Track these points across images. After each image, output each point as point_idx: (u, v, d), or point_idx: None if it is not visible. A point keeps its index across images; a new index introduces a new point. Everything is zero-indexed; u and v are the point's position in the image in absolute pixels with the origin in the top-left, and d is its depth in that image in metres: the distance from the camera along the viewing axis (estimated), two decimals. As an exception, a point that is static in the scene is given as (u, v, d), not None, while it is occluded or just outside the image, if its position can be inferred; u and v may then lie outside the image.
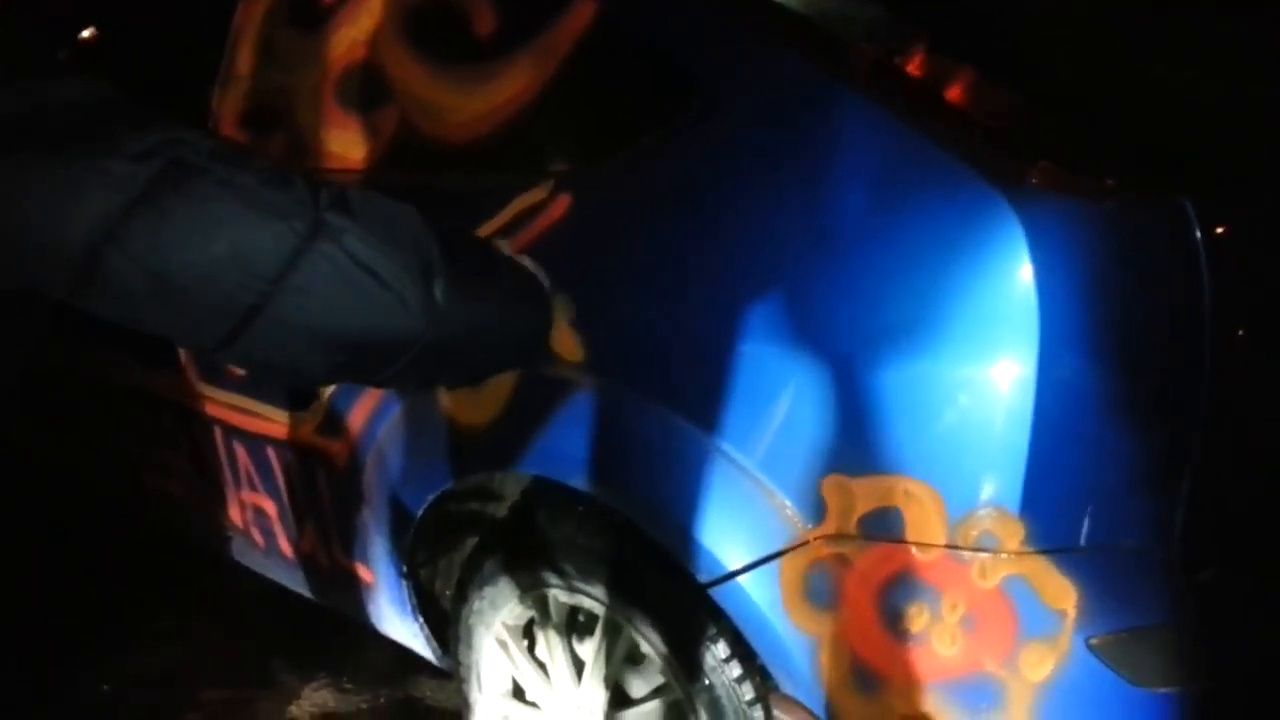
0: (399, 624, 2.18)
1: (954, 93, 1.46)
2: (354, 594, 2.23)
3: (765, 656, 1.51)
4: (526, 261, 1.50)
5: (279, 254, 1.14)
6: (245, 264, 1.12)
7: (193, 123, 1.22)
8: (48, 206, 1.06)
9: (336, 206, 1.19)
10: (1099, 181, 1.34)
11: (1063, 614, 1.32)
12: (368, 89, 1.96)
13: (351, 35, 1.99)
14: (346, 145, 2.00)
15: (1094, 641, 1.32)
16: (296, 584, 2.43)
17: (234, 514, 2.43)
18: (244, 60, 2.24)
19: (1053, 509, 1.32)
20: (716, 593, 1.51)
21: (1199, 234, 1.29)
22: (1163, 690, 1.34)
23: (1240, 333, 1.34)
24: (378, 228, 1.21)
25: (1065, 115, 1.48)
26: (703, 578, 1.51)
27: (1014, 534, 1.31)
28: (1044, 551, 1.31)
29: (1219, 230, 1.30)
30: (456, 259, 1.28)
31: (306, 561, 2.32)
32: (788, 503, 1.43)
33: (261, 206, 1.13)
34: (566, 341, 1.60)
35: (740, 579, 1.47)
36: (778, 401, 1.43)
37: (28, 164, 1.06)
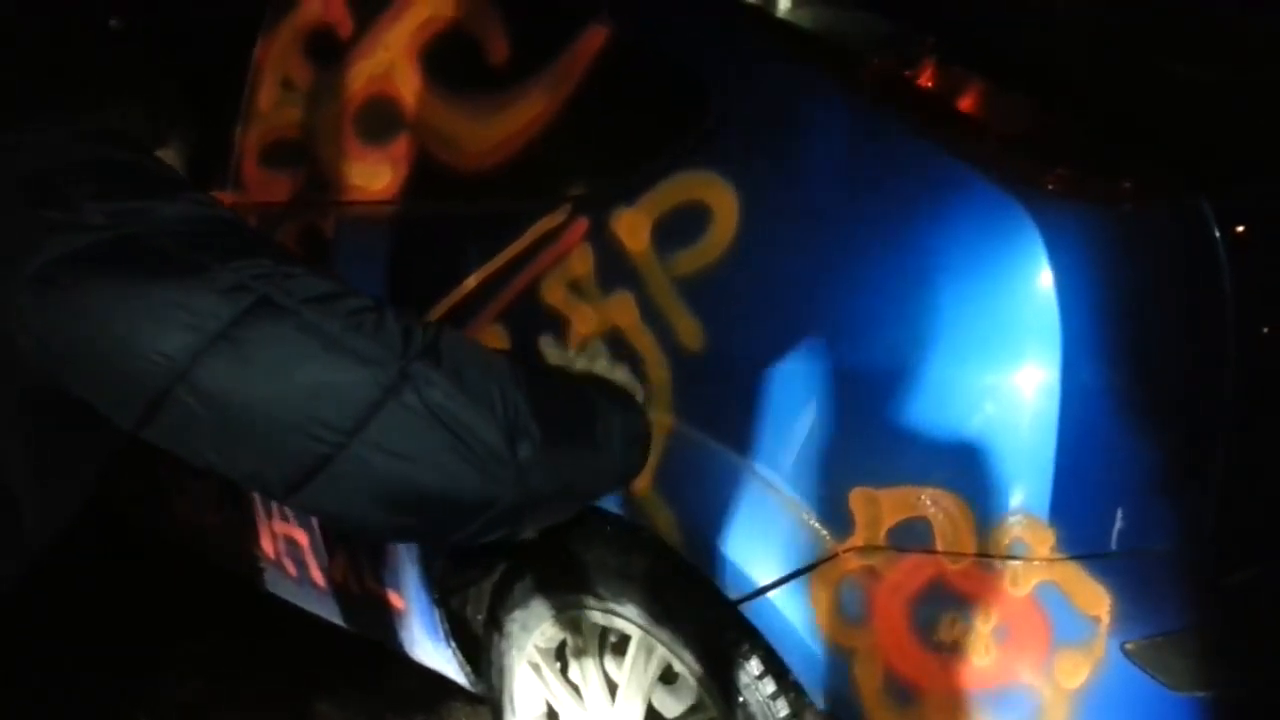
0: (431, 650, 2.18)
1: (967, 101, 1.47)
2: (386, 621, 2.24)
3: (798, 672, 1.51)
4: (621, 374, 1.40)
5: (357, 404, 1.06)
6: (320, 413, 1.05)
7: (285, 251, 1.15)
8: (128, 338, 1.01)
9: (426, 354, 1.10)
10: (1116, 184, 1.35)
11: (1097, 620, 1.31)
12: (386, 120, 1.98)
13: (369, 68, 2.02)
14: (367, 177, 2.02)
15: (1129, 646, 1.31)
16: (329, 612, 2.44)
17: (266, 544, 2.45)
18: (265, 95, 2.27)
19: (1083, 514, 1.31)
20: (747, 609, 1.51)
21: (1218, 234, 1.29)
22: (1199, 694, 1.33)
23: (1264, 331, 1.34)
24: (464, 380, 1.12)
25: (1079, 118, 1.48)
26: (733, 595, 1.51)
27: (1045, 541, 1.31)
28: (1076, 557, 1.31)
29: (1238, 229, 1.30)
30: (547, 413, 1.18)
31: (338, 590, 2.33)
32: (815, 517, 1.44)
33: (345, 353, 1.06)
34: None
35: (770, 595, 1.47)
36: (802, 415, 1.43)
37: (120, 290, 1.02)
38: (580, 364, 1.43)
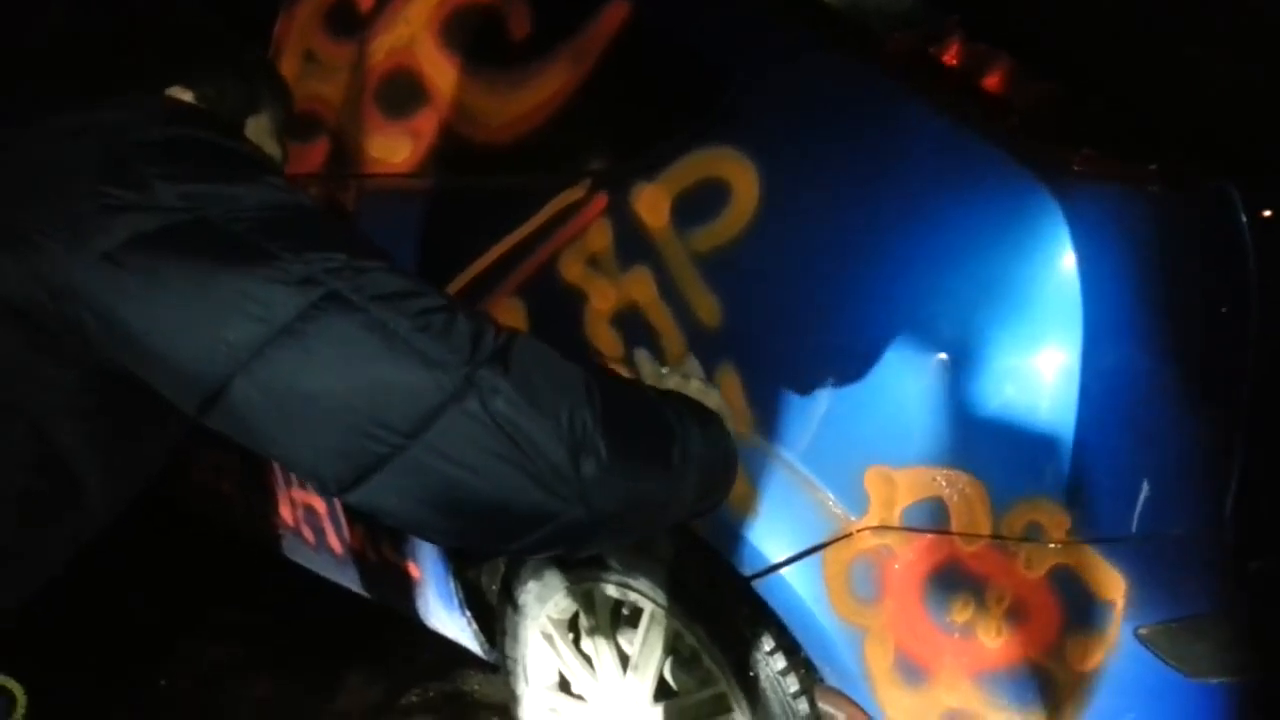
0: (447, 619, 2.20)
1: (992, 81, 1.45)
2: (403, 589, 2.26)
3: (809, 649, 1.51)
4: (712, 399, 1.33)
5: (419, 407, 1.03)
6: (380, 414, 1.03)
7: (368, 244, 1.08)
8: (193, 325, 1.00)
9: (494, 360, 1.06)
10: (1142, 167, 1.33)
11: (1111, 604, 1.31)
12: (407, 94, 1.98)
13: (389, 41, 2.01)
14: (387, 150, 2.02)
15: (1143, 631, 1.31)
16: (346, 580, 2.46)
17: (285, 512, 2.47)
18: (287, 67, 2.27)
19: (1099, 498, 1.31)
20: (760, 585, 1.51)
21: (1244, 218, 1.28)
22: (1214, 681, 1.33)
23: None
24: (533, 389, 1.08)
25: (1107, 100, 1.46)
26: (746, 570, 1.52)
27: (1060, 524, 1.31)
28: (1091, 541, 1.31)
29: (1265, 214, 1.29)
30: (619, 431, 1.13)
31: (356, 558, 2.35)
32: (830, 495, 1.44)
33: (410, 354, 1.03)
34: (607, 338, 1.61)
35: (783, 571, 1.48)
36: (819, 393, 1.43)
37: (187, 275, 1.00)
38: (671, 382, 1.39)
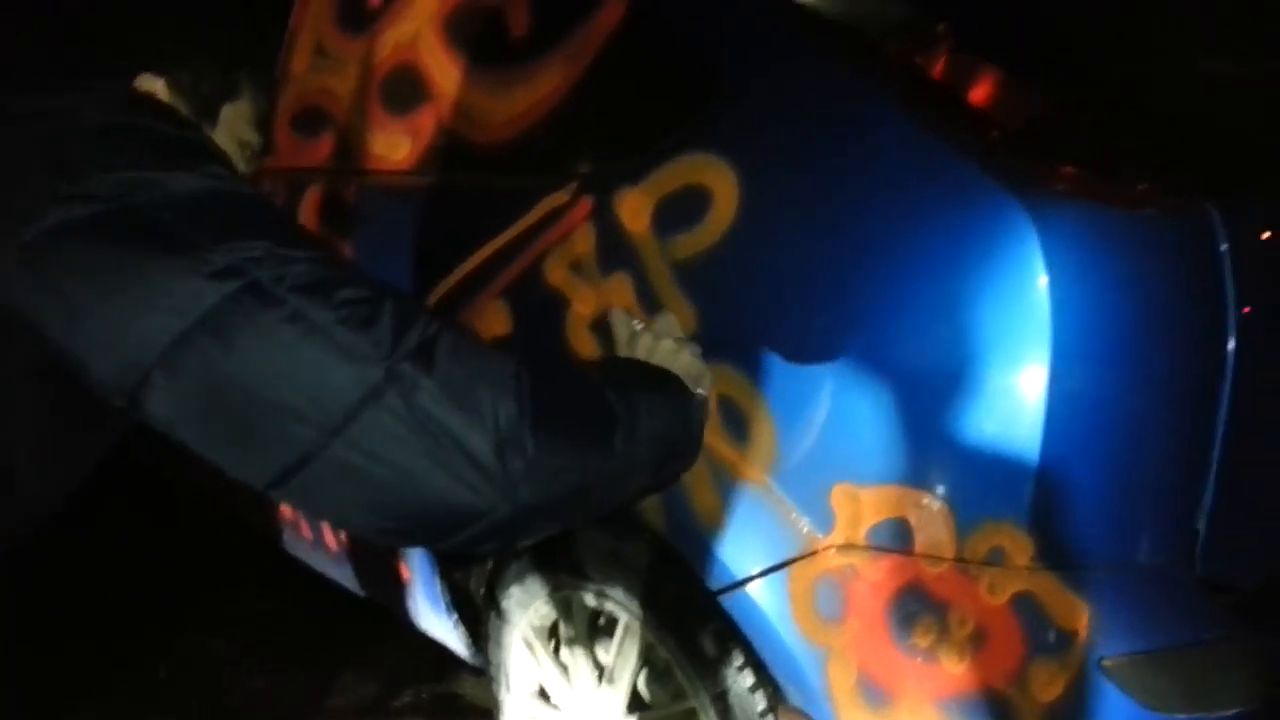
0: (435, 620, 2.20)
1: (979, 93, 1.43)
2: (394, 590, 2.26)
3: (773, 667, 1.49)
4: (682, 360, 1.29)
5: (340, 402, 1.01)
6: (300, 409, 1.00)
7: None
8: (110, 317, 0.99)
9: (417, 354, 1.04)
10: (1123, 186, 1.30)
11: (1074, 633, 1.27)
12: (408, 91, 1.99)
13: (395, 37, 2.02)
14: (388, 146, 2.03)
15: (1107, 663, 1.27)
16: (342, 578, 2.47)
17: (283, 507, 2.48)
18: (299, 60, 2.29)
19: (1064, 525, 1.27)
20: (727, 600, 1.49)
21: (1224, 243, 1.24)
22: (1180, 716, 1.29)
23: (1264, 343, 1.28)
24: (456, 383, 1.05)
25: (1094, 115, 1.43)
26: (713, 585, 1.50)
27: (1024, 550, 1.27)
28: (1055, 569, 1.27)
29: (1246, 237, 1.25)
30: (550, 421, 1.10)
31: (350, 556, 2.35)
32: (797, 511, 1.41)
33: (331, 347, 1.00)
34: (587, 343, 1.60)
35: (749, 587, 1.45)
36: (789, 406, 1.41)
37: (107, 265, 0.99)
38: (643, 342, 1.32)
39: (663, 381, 1.28)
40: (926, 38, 1.49)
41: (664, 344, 1.32)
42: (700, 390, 1.31)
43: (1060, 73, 1.48)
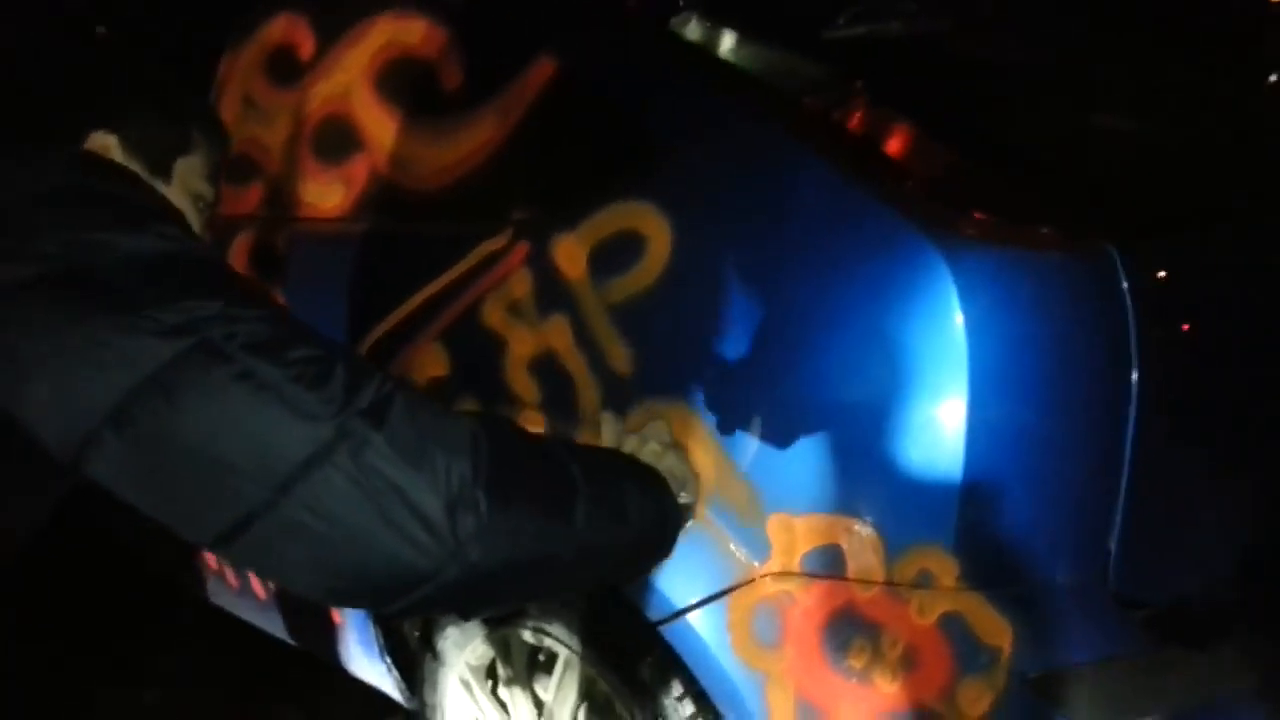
0: (367, 665, 2.20)
1: (893, 145, 1.52)
2: (324, 635, 2.25)
3: (714, 695, 1.53)
4: (666, 461, 1.31)
5: (289, 460, 1.00)
6: (249, 468, 0.99)
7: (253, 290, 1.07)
8: (59, 377, 0.98)
9: (370, 413, 1.03)
10: (1029, 231, 1.40)
11: (999, 650, 1.35)
12: (340, 140, 2.02)
13: (326, 89, 2.05)
14: (320, 194, 2.06)
15: (1031, 678, 1.35)
16: (269, 625, 2.45)
17: (208, 555, 2.46)
18: (228, 110, 2.30)
19: (986, 547, 1.35)
20: (667, 631, 1.53)
21: (1125, 280, 1.34)
22: (1101, 727, 1.37)
23: (1168, 374, 1.38)
24: (407, 442, 1.04)
25: (1001, 164, 1.53)
26: (653, 615, 1.54)
27: (949, 571, 1.35)
28: (978, 588, 1.35)
29: (1146, 275, 1.35)
30: (507, 486, 1.09)
31: (278, 603, 2.34)
32: (734, 541, 1.47)
33: (281, 406, 1.00)
34: (525, 384, 1.65)
35: (689, 617, 1.50)
36: (723, 441, 1.46)
37: (57, 325, 0.99)
38: (629, 445, 1.35)
39: (644, 474, 1.29)
40: (842, 94, 1.58)
41: (650, 445, 1.35)
42: (684, 496, 1.35)
43: (967, 126, 1.58)
